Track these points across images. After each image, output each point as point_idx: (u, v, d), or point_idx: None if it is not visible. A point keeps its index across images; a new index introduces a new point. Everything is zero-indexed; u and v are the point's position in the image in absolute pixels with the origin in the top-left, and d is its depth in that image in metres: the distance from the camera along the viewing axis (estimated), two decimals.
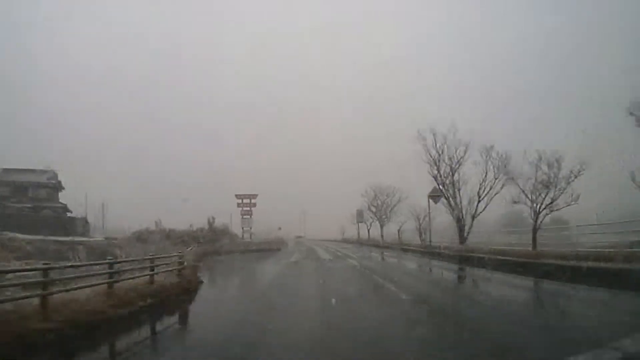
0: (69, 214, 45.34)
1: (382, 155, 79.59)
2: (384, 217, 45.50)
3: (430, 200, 23.63)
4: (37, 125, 63.30)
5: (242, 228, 49.29)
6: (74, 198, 45.42)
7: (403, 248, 32.20)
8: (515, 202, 18.20)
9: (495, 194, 22.40)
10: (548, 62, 68.04)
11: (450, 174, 23.33)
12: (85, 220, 46.63)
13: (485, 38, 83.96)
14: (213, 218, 37.80)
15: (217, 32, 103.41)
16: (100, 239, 36.78)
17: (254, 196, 49.71)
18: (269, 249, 39.59)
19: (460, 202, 22.95)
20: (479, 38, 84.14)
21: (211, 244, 34.56)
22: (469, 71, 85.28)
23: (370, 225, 51.37)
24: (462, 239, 22.75)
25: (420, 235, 30.91)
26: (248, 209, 49.35)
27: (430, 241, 25.62)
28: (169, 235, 35.00)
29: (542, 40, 74.83)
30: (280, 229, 58.46)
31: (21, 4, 77.56)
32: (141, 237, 35.19)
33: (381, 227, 46.30)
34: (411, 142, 24.81)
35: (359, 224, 53.33)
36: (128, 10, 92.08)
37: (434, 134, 23.75)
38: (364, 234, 54.59)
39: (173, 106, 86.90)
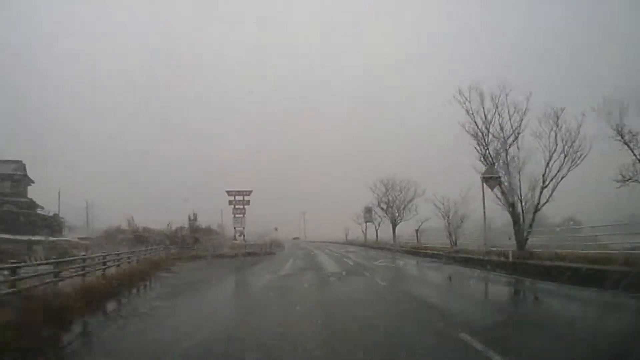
0: (39, 211, 40.36)
1: (386, 154, 74.89)
2: (396, 215, 39.42)
3: (485, 186, 17.10)
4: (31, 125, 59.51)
5: (234, 228, 44.18)
6: (62, 197, 42.14)
7: (432, 253, 25.25)
8: (624, 181, 12.28)
9: (561, 178, 16.66)
10: (549, 61, 64.29)
11: (504, 150, 17.38)
12: (57, 218, 41.81)
13: (485, 39, 79.77)
14: (195, 215, 32.02)
15: (217, 32, 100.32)
16: (72, 238, 33.69)
17: (248, 193, 44.59)
18: (260, 252, 33.31)
19: (520, 190, 16.93)
20: (479, 39, 79.92)
21: (190, 246, 28.85)
22: (469, 72, 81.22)
23: (379, 225, 45.46)
24: (522, 240, 16.67)
25: (451, 236, 24.83)
26: (241, 207, 44.37)
27: (485, 244, 18.60)
28: (143, 235, 29.64)
29: (542, 40, 70.82)
30: (276, 229, 52.48)
31: (20, 3, 73.94)
32: (111, 237, 30.25)
33: (393, 227, 40.26)
34: (448, 111, 18.92)
35: (367, 223, 46.99)
36: (127, 9, 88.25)
37: (481, 95, 17.71)
38: (370, 234, 48.77)
39: (172, 106, 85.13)
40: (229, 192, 44.23)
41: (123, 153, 67.21)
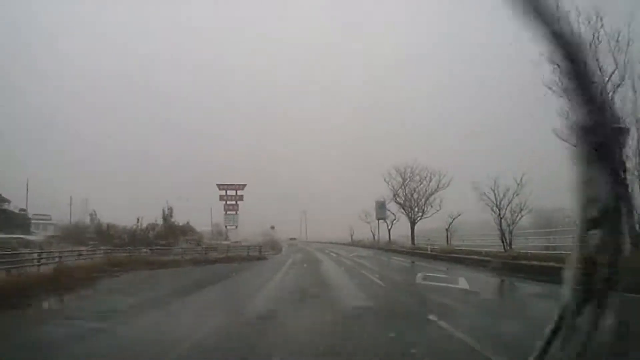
0: (6, 206, 36.57)
1: (388, 152, 69.96)
2: (416, 209, 33.28)
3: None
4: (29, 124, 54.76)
5: (226, 226, 39.13)
6: (57, 195, 39.31)
7: (485, 261, 17.04)
8: None
9: None
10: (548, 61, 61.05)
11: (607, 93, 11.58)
12: (24, 214, 38.37)
13: (485, 39, 75.60)
14: (170, 209, 25.97)
15: (217, 32, 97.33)
16: (40, 237, 30.82)
17: (241, 186, 39.60)
18: (246, 257, 27.04)
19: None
20: (479, 42, 75.83)
21: (155, 248, 23.64)
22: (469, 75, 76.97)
23: (392, 223, 39.32)
24: None
25: (504, 237, 18.77)
26: (233, 202, 39.52)
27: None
28: (109, 232, 24.52)
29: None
30: (273, 228, 46.61)
31: (20, 3, 69.66)
32: (70, 234, 25.45)
33: (412, 224, 34.04)
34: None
35: (379, 220, 40.37)
36: (127, 9, 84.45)
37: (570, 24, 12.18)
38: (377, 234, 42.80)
39: (172, 106, 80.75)
40: (219, 186, 39.19)
41: (122, 152, 64.75)
